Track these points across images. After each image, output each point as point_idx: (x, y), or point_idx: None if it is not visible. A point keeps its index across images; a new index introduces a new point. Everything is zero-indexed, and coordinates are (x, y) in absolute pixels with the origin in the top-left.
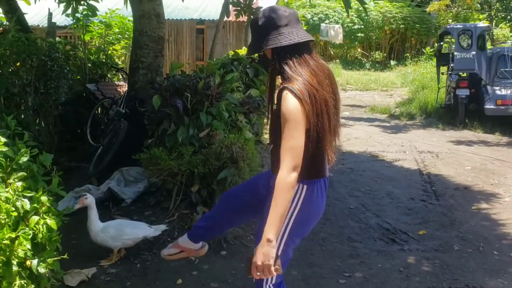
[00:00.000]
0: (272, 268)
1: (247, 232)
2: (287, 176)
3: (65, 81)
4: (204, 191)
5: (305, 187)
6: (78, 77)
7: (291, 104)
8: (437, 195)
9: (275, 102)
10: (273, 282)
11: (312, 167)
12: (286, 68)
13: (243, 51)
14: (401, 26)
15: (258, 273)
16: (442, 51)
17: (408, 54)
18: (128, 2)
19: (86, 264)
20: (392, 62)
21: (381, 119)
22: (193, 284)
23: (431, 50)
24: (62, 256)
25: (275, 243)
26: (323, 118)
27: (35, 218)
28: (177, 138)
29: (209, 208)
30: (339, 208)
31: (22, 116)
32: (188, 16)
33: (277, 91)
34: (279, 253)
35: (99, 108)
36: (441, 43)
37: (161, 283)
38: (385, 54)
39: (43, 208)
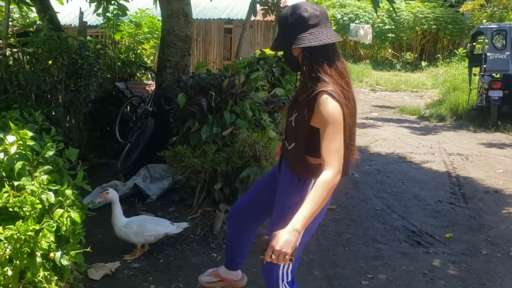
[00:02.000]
0: (288, 257)
1: None
2: (335, 178)
3: (95, 79)
4: (227, 189)
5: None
6: (108, 75)
7: (333, 107)
8: (465, 198)
9: (307, 103)
10: (289, 280)
11: None
12: (317, 69)
13: (270, 50)
14: (433, 26)
15: (273, 257)
16: (474, 52)
17: (439, 55)
18: (158, 1)
19: (110, 258)
20: (423, 63)
21: (410, 120)
22: None
23: (464, 51)
24: (85, 249)
25: (300, 235)
26: (352, 118)
27: (59, 211)
28: (201, 136)
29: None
30: (364, 209)
31: (53, 113)
32: (217, 15)
33: (309, 92)
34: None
35: (128, 106)
36: (474, 43)
37: (183, 279)
38: (416, 55)
39: (68, 202)
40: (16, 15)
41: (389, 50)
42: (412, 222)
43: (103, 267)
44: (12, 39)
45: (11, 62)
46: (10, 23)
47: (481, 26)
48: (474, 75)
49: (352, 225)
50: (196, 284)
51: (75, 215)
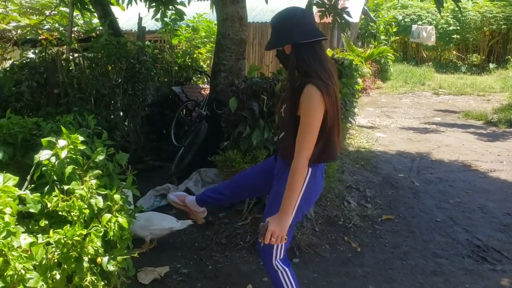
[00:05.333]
0: (284, 237)
1: (322, 241)
2: (304, 163)
3: (152, 83)
4: None
5: (310, 169)
6: (165, 79)
7: (315, 97)
8: None
9: (295, 94)
10: (281, 257)
11: (322, 153)
12: (303, 63)
13: (328, 52)
14: (503, 26)
15: (273, 240)
16: None
17: (509, 57)
18: (214, 5)
19: (159, 262)
20: (491, 65)
21: (476, 125)
22: None
23: None
24: (132, 255)
25: (289, 218)
26: (333, 108)
27: (107, 216)
28: (251, 141)
29: None
30: (424, 220)
31: (112, 116)
32: None
33: (297, 85)
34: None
35: (183, 110)
36: None
37: (231, 287)
38: (483, 57)
39: (116, 207)
40: (81, 21)
41: (454, 52)
42: (477, 236)
43: (152, 272)
44: (75, 44)
45: (72, 67)
46: (74, 29)
47: None
48: None
49: (411, 237)
50: None
51: (123, 220)
